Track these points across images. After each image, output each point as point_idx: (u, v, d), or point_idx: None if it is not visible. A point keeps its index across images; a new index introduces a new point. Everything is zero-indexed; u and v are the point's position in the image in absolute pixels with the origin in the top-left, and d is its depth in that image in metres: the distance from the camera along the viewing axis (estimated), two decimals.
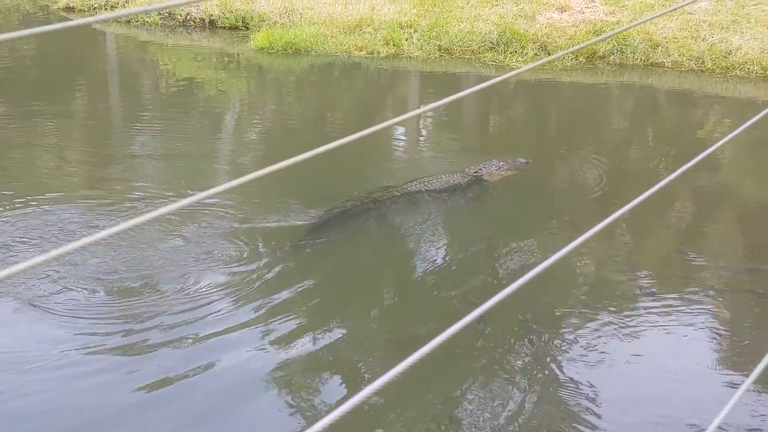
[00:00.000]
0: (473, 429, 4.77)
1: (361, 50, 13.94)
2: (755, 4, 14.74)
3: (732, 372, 5.39)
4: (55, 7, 17.32)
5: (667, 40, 13.59)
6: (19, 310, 5.73)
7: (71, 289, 5.96)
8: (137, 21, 16.05)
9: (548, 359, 5.44)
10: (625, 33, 13.47)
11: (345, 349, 5.49)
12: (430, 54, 13.88)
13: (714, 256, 7.07)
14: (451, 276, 6.58)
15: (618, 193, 8.18)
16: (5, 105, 11.13)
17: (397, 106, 12.25)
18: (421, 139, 10.48)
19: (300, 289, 6.14)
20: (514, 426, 4.79)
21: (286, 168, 1.72)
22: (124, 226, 1.50)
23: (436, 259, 6.82)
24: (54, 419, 4.73)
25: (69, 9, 17.03)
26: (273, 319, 5.69)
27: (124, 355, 5.27)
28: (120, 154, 9.27)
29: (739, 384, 5.12)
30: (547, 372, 5.30)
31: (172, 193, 7.78)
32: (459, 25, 14.24)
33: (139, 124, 10.35)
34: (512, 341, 5.63)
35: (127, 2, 16.47)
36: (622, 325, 5.86)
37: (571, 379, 5.22)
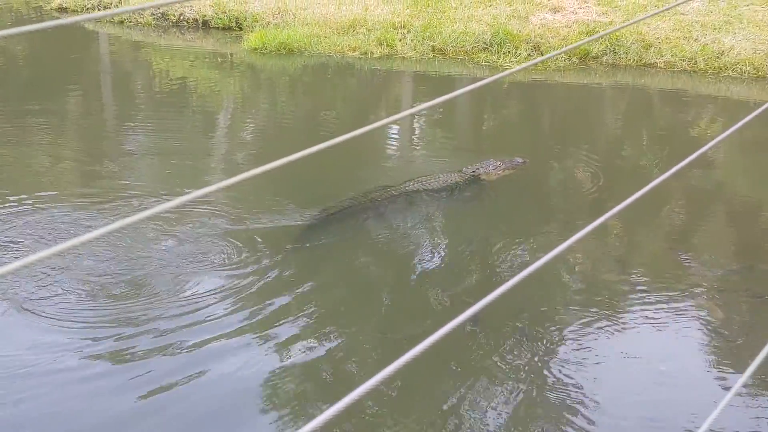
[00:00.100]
0: (467, 429, 4.77)
1: (354, 51, 13.93)
2: (747, 5, 14.78)
3: (725, 372, 5.40)
4: (48, 7, 17.28)
5: (660, 41, 13.62)
6: (12, 313, 5.69)
7: (64, 292, 5.93)
8: (130, 21, 16.01)
9: (541, 359, 5.45)
10: (617, 33, 13.49)
11: (339, 350, 5.48)
12: (423, 54, 13.88)
13: (707, 255, 7.09)
14: (445, 276, 6.58)
15: (611, 193, 8.19)
16: None
17: (391, 106, 12.25)
18: (414, 139, 10.48)
19: (294, 289, 6.14)
20: (508, 426, 4.79)
21: (280, 168, 1.71)
22: (117, 224, 1.50)
23: (430, 259, 6.82)
24: (48, 425, 4.70)
25: (62, 9, 16.98)
26: (267, 320, 5.68)
27: (119, 360, 5.23)
28: (113, 154, 9.24)
29: (731, 384, 5.13)
30: (540, 372, 5.31)
31: (165, 193, 7.77)
32: (452, 26, 14.24)
33: (132, 124, 10.32)
34: (505, 341, 5.63)
35: (120, 3, 16.44)
36: (615, 324, 5.87)
37: (564, 379, 5.23)
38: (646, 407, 5.00)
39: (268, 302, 5.90)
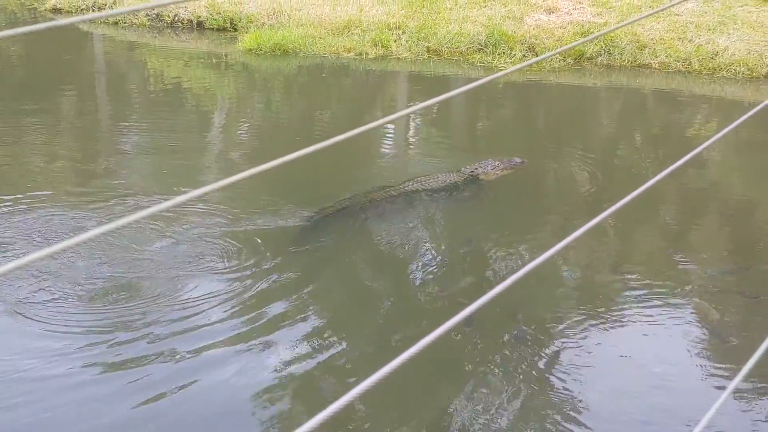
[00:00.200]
0: (461, 430, 4.77)
1: (349, 51, 13.93)
2: (741, 6, 14.83)
3: (720, 372, 5.40)
4: (43, 8, 17.27)
5: (654, 42, 13.66)
6: (3, 317, 5.64)
7: (58, 296, 5.88)
8: (125, 22, 16.00)
9: (536, 360, 5.45)
10: (612, 34, 13.52)
11: (334, 351, 5.47)
12: (418, 55, 13.89)
13: (702, 255, 7.10)
14: (440, 276, 6.57)
15: (606, 193, 8.20)
16: None
17: (386, 106, 12.24)
18: (410, 139, 10.48)
19: (290, 290, 6.13)
20: (503, 427, 4.79)
21: (275, 169, 1.71)
22: (112, 225, 1.49)
23: (425, 260, 6.82)
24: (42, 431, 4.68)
25: (56, 10, 16.96)
26: (262, 322, 5.67)
27: (114, 365, 5.19)
28: (108, 154, 9.23)
29: (726, 385, 5.14)
30: (534, 374, 5.31)
31: (160, 193, 7.75)
32: (447, 27, 14.26)
33: (126, 125, 10.31)
34: (500, 342, 5.63)
35: (114, 4, 16.42)
36: (610, 325, 5.87)
37: (559, 380, 5.23)
38: (641, 408, 5.00)
39: (263, 304, 5.88)
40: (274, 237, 6.94)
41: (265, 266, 6.43)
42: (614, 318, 5.97)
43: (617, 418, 4.94)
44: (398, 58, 13.86)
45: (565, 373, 5.30)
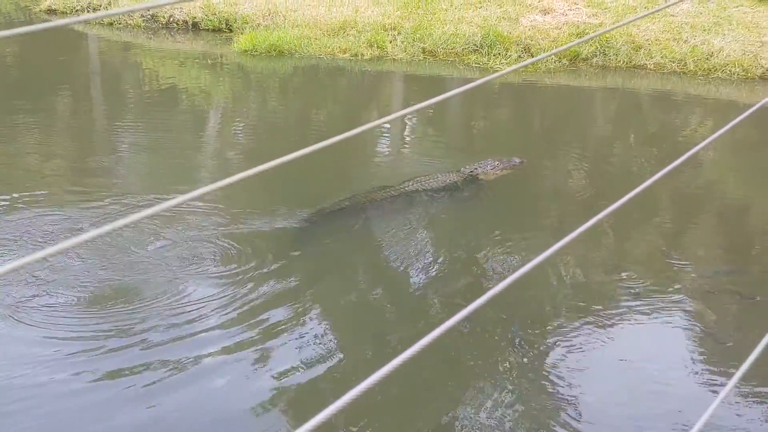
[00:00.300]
0: (456, 431, 4.77)
1: (344, 52, 13.93)
2: (736, 6, 14.85)
3: (715, 374, 5.41)
4: (38, 9, 17.23)
5: (650, 42, 13.67)
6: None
7: (52, 300, 5.85)
8: (120, 23, 15.98)
9: (531, 361, 5.45)
10: (607, 35, 13.53)
11: (332, 352, 5.47)
12: (414, 56, 13.89)
13: (697, 257, 7.11)
14: (438, 278, 6.57)
15: (602, 194, 8.20)
16: None
17: (382, 107, 12.24)
18: (406, 140, 10.48)
19: (287, 292, 6.12)
20: (498, 427, 4.79)
21: (271, 170, 1.71)
22: (108, 228, 1.49)
23: (423, 261, 6.81)
24: None
25: (51, 11, 16.93)
26: (261, 324, 5.66)
27: (110, 370, 5.15)
28: (104, 155, 9.21)
29: (722, 386, 5.15)
30: (530, 374, 5.31)
31: (157, 195, 7.74)
32: (443, 28, 14.26)
33: (121, 126, 10.29)
34: (496, 343, 5.63)
35: (109, 5, 16.39)
36: (605, 326, 5.88)
37: (554, 381, 5.23)
38: (637, 410, 5.00)
39: (261, 305, 5.87)
40: (272, 238, 6.93)
41: (263, 267, 6.42)
42: (610, 319, 5.97)
43: (613, 420, 4.94)
44: (394, 59, 13.85)
45: (561, 374, 5.30)
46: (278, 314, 5.79)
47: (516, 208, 8.15)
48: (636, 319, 5.99)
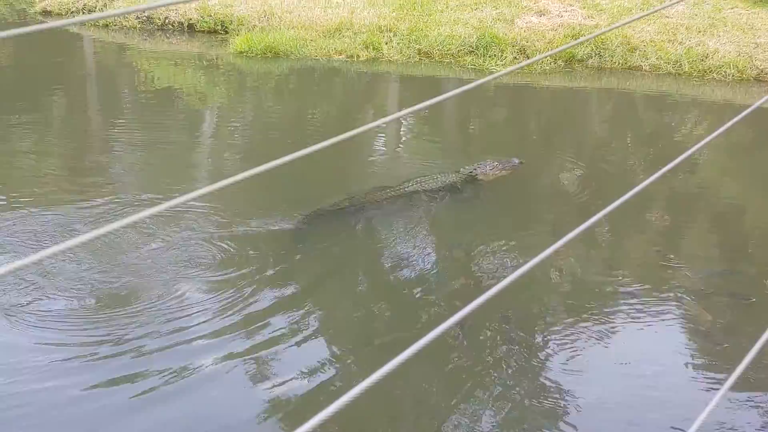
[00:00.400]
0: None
1: (340, 54, 13.93)
2: (731, 8, 14.89)
3: (711, 375, 5.41)
4: (32, 11, 17.21)
5: (645, 44, 13.69)
6: None
7: (47, 305, 5.82)
8: (115, 25, 15.96)
9: (527, 363, 5.45)
10: (603, 36, 13.54)
11: (329, 354, 5.47)
12: (409, 58, 13.90)
13: (692, 258, 7.12)
14: (435, 279, 6.58)
15: (598, 196, 8.21)
16: None
17: (378, 109, 12.25)
18: (401, 142, 10.48)
19: (283, 294, 6.12)
20: (493, 429, 4.79)
21: (267, 172, 1.71)
22: (104, 230, 1.48)
23: (421, 262, 6.81)
24: None
25: (46, 13, 16.92)
26: (257, 326, 5.65)
27: (108, 368, 5.14)
28: (99, 157, 9.19)
29: (718, 387, 5.15)
30: (525, 376, 5.31)
31: (153, 196, 7.73)
32: (438, 29, 14.26)
33: (117, 128, 10.29)
34: (491, 345, 5.63)
35: (105, 6, 16.38)
36: (601, 328, 5.88)
37: (549, 383, 5.23)
38: (632, 412, 5.01)
39: (257, 308, 5.86)
40: (269, 240, 6.93)
41: (261, 269, 6.42)
42: (606, 320, 5.97)
43: (608, 421, 4.94)
44: (389, 60, 13.86)
45: (556, 376, 5.31)
46: (275, 316, 5.79)
47: (512, 209, 8.15)
48: (632, 320, 5.99)
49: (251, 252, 6.68)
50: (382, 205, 7.60)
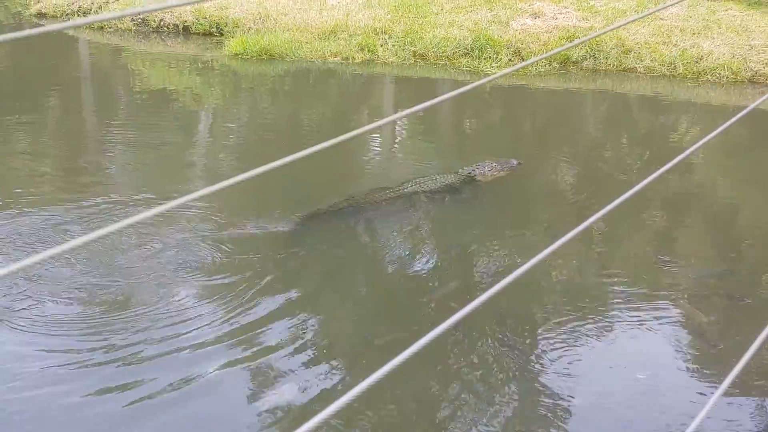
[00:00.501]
0: None
1: (335, 56, 13.94)
2: (725, 10, 14.92)
3: (707, 376, 5.42)
4: (28, 13, 17.19)
5: (640, 46, 13.71)
6: None
7: (46, 303, 5.81)
8: (110, 27, 15.95)
9: (522, 365, 5.45)
10: (597, 39, 13.57)
11: (326, 357, 5.46)
12: (405, 60, 13.91)
13: (687, 259, 7.13)
14: (432, 281, 6.58)
15: (593, 197, 8.22)
16: None
17: (373, 111, 12.25)
18: (397, 143, 10.49)
19: (280, 296, 6.10)
20: (488, 430, 4.79)
21: (263, 174, 1.71)
22: (100, 233, 1.48)
23: (418, 264, 6.81)
24: None
25: (41, 15, 16.90)
26: (253, 328, 5.63)
27: (104, 373, 5.11)
28: (94, 160, 9.18)
29: (714, 388, 5.16)
30: (520, 378, 5.31)
31: (148, 199, 7.71)
32: (433, 31, 14.27)
33: (112, 130, 10.27)
34: (487, 347, 5.63)
35: (99, 9, 16.36)
36: (597, 330, 5.88)
37: (545, 385, 5.23)
38: (628, 413, 5.01)
39: (253, 311, 5.84)
40: (267, 242, 6.92)
41: (257, 271, 6.40)
42: (601, 322, 5.98)
43: (605, 423, 4.95)
44: (385, 62, 13.86)
45: (552, 377, 5.31)
46: (273, 318, 5.77)
47: (510, 210, 8.16)
48: (627, 322, 6.00)
49: (248, 254, 6.66)
50: (381, 205, 7.62)
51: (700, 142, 2.81)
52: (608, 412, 5.02)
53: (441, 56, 13.94)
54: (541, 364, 5.46)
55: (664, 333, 5.90)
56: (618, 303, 6.28)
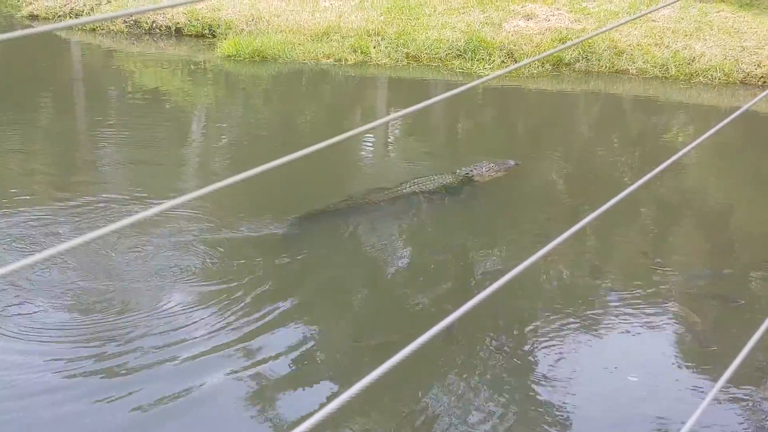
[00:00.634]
0: None
1: (328, 58, 13.93)
2: (717, 11, 14.97)
3: (700, 378, 5.43)
4: (19, 15, 17.14)
5: (632, 48, 13.75)
6: None
7: (37, 310, 5.76)
8: (102, 29, 15.90)
9: (514, 368, 5.45)
10: (590, 41, 13.59)
11: (321, 359, 5.45)
12: (397, 61, 13.91)
13: (681, 260, 7.14)
14: (428, 282, 6.58)
15: (586, 200, 8.23)
16: None
17: (366, 112, 12.25)
18: (389, 145, 10.48)
19: (276, 298, 6.07)
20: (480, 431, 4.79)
21: (255, 176, 1.70)
22: (93, 235, 1.47)
23: (413, 266, 6.82)
24: None
25: (33, 17, 16.85)
26: (249, 331, 5.60)
27: (95, 384, 5.06)
28: (87, 162, 9.16)
29: (707, 390, 5.16)
30: (513, 381, 5.31)
31: (141, 201, 7.68)
32: (426, 33, 14.28)
33: (105, 132, 10.23)
34: (479, 349, 5.63)
35: (91, 11, 16.32)
36: (589, 331, 5.89)
37: (539, 386, 5.23)
38: (622, 415, 5.01)
39: (248, 314, 5.81)
40: (260, 244, 6.90)
41: (252, 273, 6.38)
42: (595, 324, 5.98)
43: (596, 425, 4.95)
44: (377, 64, 13.86)
45: (544, 379, 5.31)
46: (264, 323, 5.74)
47: (500, 213, 8.17)
48: (620, 324, 6.00)
49: (242, 258, 6.63)
50: (380, 206, 7.63)
51: (693, 144, 2.81)
52: (601, 413, 5.03)
53: (434, 58, 13.94)
54: (534, 365, 5.46)
55: (658, 334, 5.90)
56: (611, 304, 6.28)
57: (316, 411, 1.48)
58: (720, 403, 5.09)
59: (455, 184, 8.18)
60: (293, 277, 6.48)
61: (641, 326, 5.98)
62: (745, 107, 3.12)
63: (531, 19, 14.87)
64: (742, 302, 6.40)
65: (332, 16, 14.95)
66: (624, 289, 6.53)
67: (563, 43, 13.40)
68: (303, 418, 4.37)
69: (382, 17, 14.93)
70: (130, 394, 4.96)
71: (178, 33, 15.63)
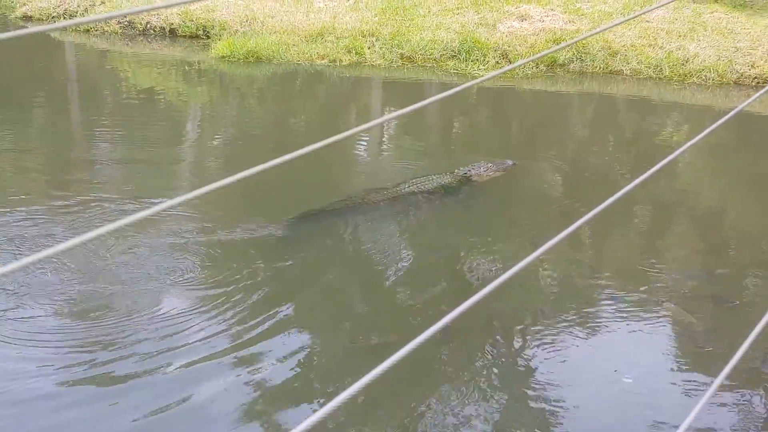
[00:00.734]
0: None
1: (323, 59, 13.92)
2: (711, 12, 15.00)
3: (696, 379, 5.43)
4: (13, 16, 17.09)
5: (626, 48, 13.77)
6: None
7: (33, 313, 5.73)
8: (96, 30, 15.87)
9: (510, 369, 5.45)
10: (584, 41, 13.61)
11: (318, 359, 5.45)
12: (392, 62, 13.90)
13: (676, 261, 7.15)
14: (425, 282, 6.58)
15: (581, 200, 8.24)
16: None
17: (361, 113, 12.25)
18: (384, 146, 10.48)
19: (273, 299, 6.07)
20: None
21: (249, 177, 1.70)
22: (88, 236, 1.47)
23: (410, 267, 6.81)
24: None
25: (27, 18, 16.80)
26: (245, 332, 5.60)
27: (92, 388, 5.05)
28: (81, 163, 9.12)
29: (703, 391, 5.17)
30: (508, 382, 5.31)
31: (135, 202, 7.66)
32: (421, 34, 14.28)
33: (99, 133, 10.21)
34: (475, 350, 5.63)
35: (85, 12, 16.29)
36: (585, 332, 5.89)
37: (534, 387, 5.24)
38: (617, 416, 5.02)
39: (245, 315, 5.80)
40: (255, 245, 6.89)
41: (249, 273, 6.37)
42: (590, 325, 5.99)
43: (592, 426, 4.95)
44: (372, 65, 13.85)
45: (539, 380, 5.31)
46: (261, 324, 5.73)
47: (495, 214, 8.17)
48: (616, 325, 6.01)
49: (238, 258, 6.62)
50: (379, 206, 7.65)
51: (687, 144, 2.81)
52: (596, 414, 5.03)
53: (428, 59, 13.94)
54: (528, 366, 5.46)
55: (653, 335, 5.91)
56: (606, 305, 6.29)
57: (314, 411, 1.47)
58: (716, 403, 5.10)
59: (453, 184, 8.20)
60: (290, 278, 6.48)
61: (636, 326, 5.99)
62: (739, 107, 3.12)
63: (525, 20, 14.87)
64: (737, 302, 6.41)
65: (327, 17, 14.94)
66: (619, 289, 6.53)
67: (557, 44, 13.41)
68: (301, 419, 4.37)
69: (376, 18, 14.93)
70: (128, 399, 4.94)
71: (172, 34, 15.59)
